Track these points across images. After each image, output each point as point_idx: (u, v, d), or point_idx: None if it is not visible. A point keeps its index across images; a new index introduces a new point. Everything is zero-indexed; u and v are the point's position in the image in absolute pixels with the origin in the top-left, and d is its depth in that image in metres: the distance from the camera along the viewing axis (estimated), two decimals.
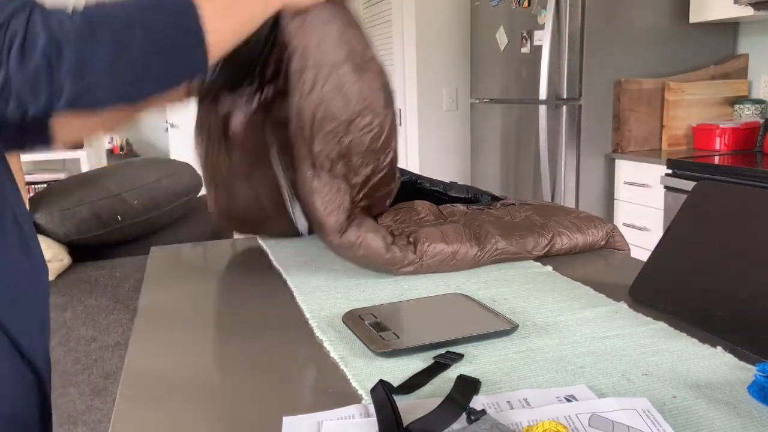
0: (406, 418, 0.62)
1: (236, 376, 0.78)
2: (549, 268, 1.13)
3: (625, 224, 3.06)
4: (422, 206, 1.26)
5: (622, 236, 1.25)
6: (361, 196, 1.10)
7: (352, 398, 0.70)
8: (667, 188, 2.74)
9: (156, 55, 0.71)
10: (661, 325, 0.87)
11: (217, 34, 0.76)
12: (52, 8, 0.66)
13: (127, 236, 2.15)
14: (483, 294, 1.01)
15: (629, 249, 1.25)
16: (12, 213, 0.81)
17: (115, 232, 2.10)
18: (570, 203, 3.12)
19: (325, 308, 0.97)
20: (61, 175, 4.74)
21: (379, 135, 1.05)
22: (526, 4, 3.22)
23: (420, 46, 3.99)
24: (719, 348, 0.79)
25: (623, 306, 0.94)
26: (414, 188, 1.40)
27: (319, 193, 1.05)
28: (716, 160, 2.78)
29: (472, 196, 1.45)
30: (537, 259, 1.17)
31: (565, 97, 3.06)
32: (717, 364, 0.75)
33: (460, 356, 0.79)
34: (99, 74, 0.67)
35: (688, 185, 2.57)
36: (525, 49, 3.28)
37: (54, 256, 2.01)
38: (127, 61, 0.68)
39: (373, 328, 0.86)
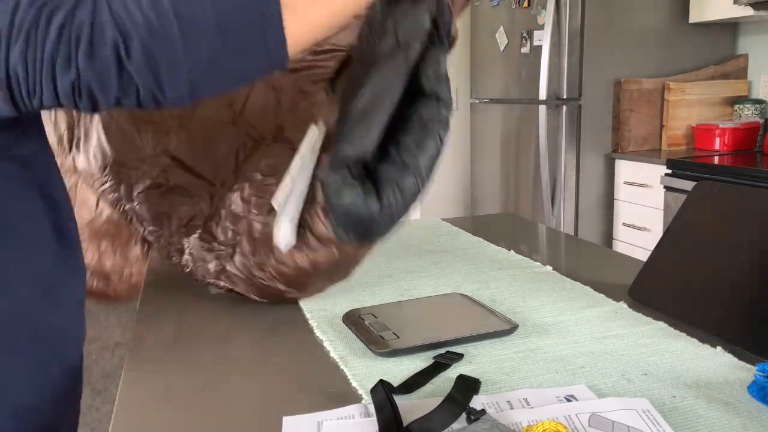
0: (406, 418, 0.62)
1: (236, 376, 0.78)
2: (549, 268, 1.13)
3: (625, 224, 3.07)
4: None
5: None
6: None
7: (352, 398, 0.70)
8: (667, 188, 2.74)
9: (230, 50, 0.66)
10: (661, 325, 0.87)
11: (301, 25, 0.69)
12: None
13: None
14: (483, 294, 1.02)
15: None
16: (56, 222, 0.79)
17: None
18: (570, 203, 3.12)
19: (325, 308, 0.98)
20: None
21: None
22: (526, 4, 3.22)
23: None
24: (719, 348, 0.79)
25: (623, 306, 0.94)
26: None
27: None
28: (716, 160, 2.78)
29: None
30: (536, 259, 1.17)
31: (565, 97, 3.06)
32: (717, 364, 0.75)
33: (460, 356, 0.79)
34: (167, 71, 0.63)
35: (688, 185, 2.57)
36: (525, 49, 3.27)
37: None
38: (198, 56, 0.64)
39: (373, 328, 0.86)
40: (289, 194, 0.91)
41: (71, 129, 1.16)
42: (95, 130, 1.12)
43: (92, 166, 1.12)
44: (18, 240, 0.74)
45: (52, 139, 1.17)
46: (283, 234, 0.89)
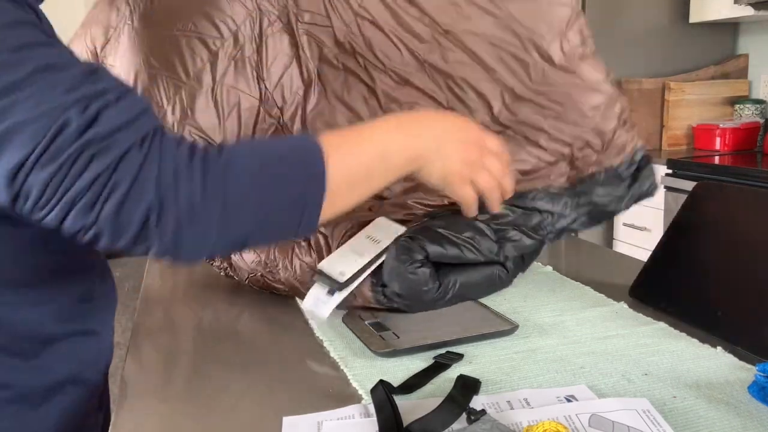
0: (406, 418, 0.62)
1: (236, 376, 0.78)
2: (549, 268, 1.13)
3: (625, 224, 3.06)
4: None
5: None
6: None
7: (352, 398, 0.70)
8: (667, 188, 2.74)
9: (262, 231, 0.64)
10: (661, 325, 0.87)
11: (336, 208, 0.67)
12: (171, 145, 0.58)
13: None
14: None
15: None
16: None
17: None
18: None
19: None
20: None
21: None
22: None
23: None
24: (719, 348, 0.79)
25: (623, 306, 0.94)
26: None
27: None
28: (716, 160, 2.77)
29: None
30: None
31: None
32: (717, 364, 0.75)
33: (460, 356, 0.79)
34: (192, 245, 0.59)
35: (688, 185, 2.56)
36: None
37: None
38: (229, 236, 0.61)
39: (373, 328, 0.86)
40: (356, 275, 0.89)
41: None
42: None
43: None
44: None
45: None
46: (327, 309, 0.88)
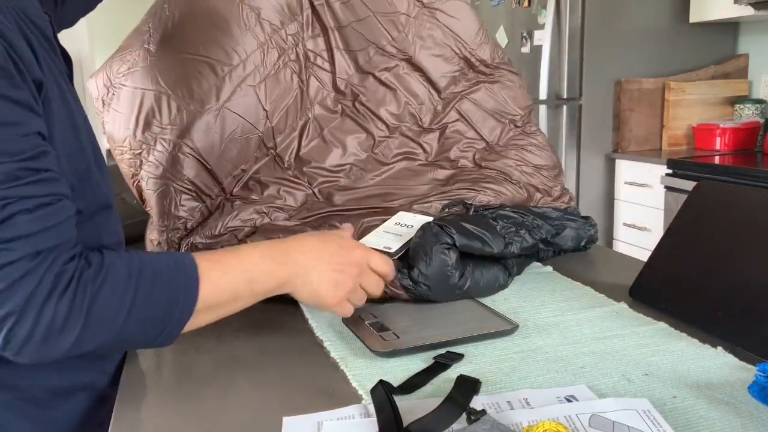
0: (406, 418, 0.62)
1: (236, 377, 0.77)
2: (549, 268, 1.13)
3: (625, 224, 3.06)
4: None
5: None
6: None
7: (352, 398, 0.70)
8: (667, 188, 2.74)
9: (119, 344, 0.69)
10: (662, 325, 0.87)
11: (196, 323, 0.73)
12: (56, 268, 0.62)
13: (127, 237, 2.14)
14: None
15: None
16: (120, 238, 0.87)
17: None
18: None
19: None
20: None
21: None
22: (526, 3, 3.21)
23: None
24: (719, 348, 0.79)
25: (623, 306, 0.94)
26: None
27: None
28: (716, 160, 2.77)
29: None
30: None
31: (565, 96, 3.06)
32: (717, 365, 0.75)
33: (460, 356, 0.79)
34: (36, 355, 0.63)
35: (688, 185, 2.56)
36: (525, 49, 3.27)
37: None
38: (78, 350, 0.65)
39: (373, 328, 0.86)
40: (400, 249, 0.97)
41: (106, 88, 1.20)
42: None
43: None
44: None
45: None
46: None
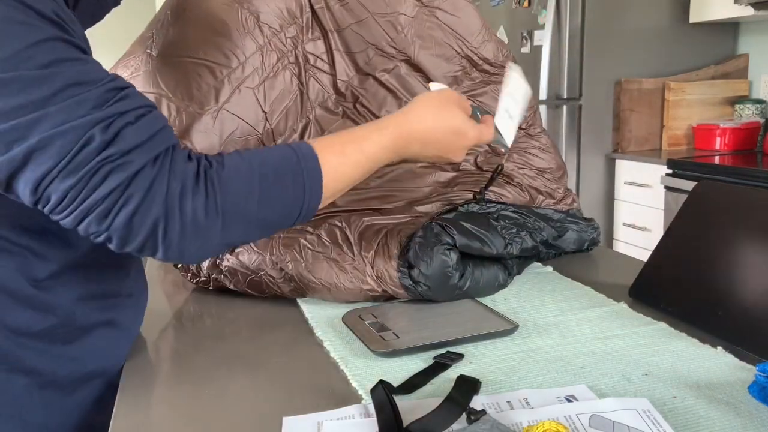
0: (406, 418, 0.62)
1: (236, 377, 0.78)
2: (549, 268, 1.13)
3: (625, 224, 3.06)
4: None
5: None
6: None
7: (352, 398, 0.70)
8: (667, 188, 2.74)
9: (261, 231, 0.74)
10: (662, 325, 0.87)
11: (328, 201, 0.77)
12: (180, 165, 0.65)
13: None
14: None
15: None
16: None
17: None
18: None
19: (325, 308, 0.97)
20: None
21: None
22: (526, 4, 3.21)
23: None
24: (719, 348, 0.79)
25: (623, 306, 0.94)
26: None
27: None
28: (716, 160, 2.77)
29: None
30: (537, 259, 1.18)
31: (565, 97, 3.06)
32: (717, 365, 0.75)
33: (460, 356, 0.79)
34: (194, 252, 0.68)
35: (688, 185, 2.56)
36: (525, 49, 3.27)
37: None
38: (229, 241, 0.70)
39: (373, 328, 0.86)
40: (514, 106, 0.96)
41: None
42: None
43: None
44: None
45: None
46: (513, 136, 0.96)
